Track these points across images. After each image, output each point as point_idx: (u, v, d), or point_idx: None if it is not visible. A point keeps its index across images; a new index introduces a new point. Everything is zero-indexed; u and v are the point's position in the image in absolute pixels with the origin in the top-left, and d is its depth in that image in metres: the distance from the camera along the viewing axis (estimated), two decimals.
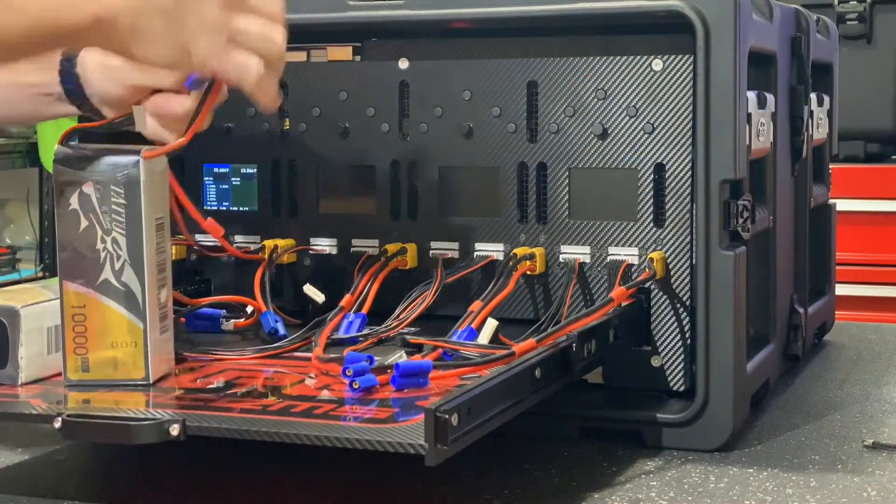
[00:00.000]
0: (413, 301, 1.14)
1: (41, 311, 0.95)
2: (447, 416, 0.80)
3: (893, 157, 3.13)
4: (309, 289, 1.18)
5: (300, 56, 1.24)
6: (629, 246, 1.13)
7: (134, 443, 0.86)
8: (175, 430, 0.85)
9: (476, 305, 1.08)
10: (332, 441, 0.83)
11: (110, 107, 1.08)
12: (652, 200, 1.13)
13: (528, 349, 0.98)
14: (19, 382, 0.89)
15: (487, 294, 1.10)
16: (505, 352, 0.98)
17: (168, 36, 0.92)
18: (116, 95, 1.06)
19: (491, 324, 1.05)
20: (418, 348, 1.04)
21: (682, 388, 1.12)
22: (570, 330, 1.02)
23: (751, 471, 1.03)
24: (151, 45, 0.92)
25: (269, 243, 1.22)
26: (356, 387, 0.94)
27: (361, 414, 0.90)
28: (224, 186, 1.27)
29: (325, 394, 0.96)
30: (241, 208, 1.26)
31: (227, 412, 0.91)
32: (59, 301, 0.94)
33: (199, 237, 1.21)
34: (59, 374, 0.96)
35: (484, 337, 1.05)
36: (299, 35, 1.24)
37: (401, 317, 1.13)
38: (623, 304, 1.09)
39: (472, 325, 1.06)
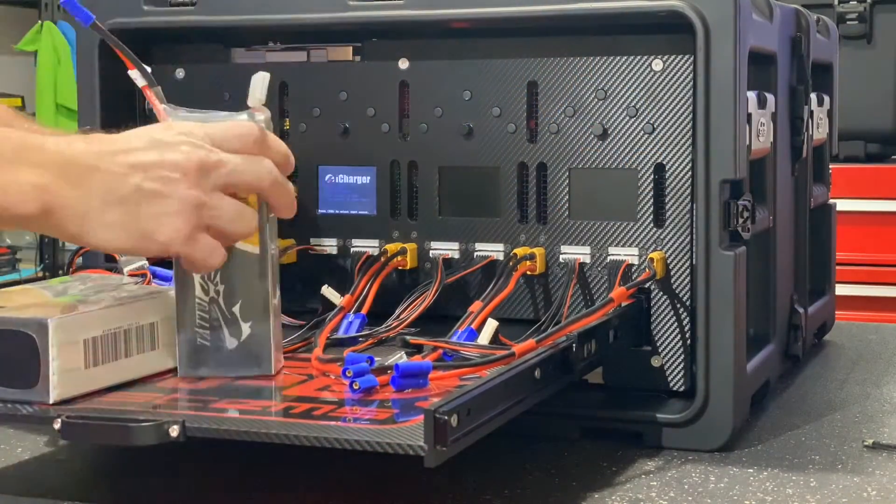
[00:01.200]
0: (413, 301, 1.14)
1: (75, 323, 0.91)
2: (446, 418, 0.80)
3: (893, 157, 3.13)
4: (327, 290, 1.17)
5: (300, 56, 1.24)
6: (629, 246, 1.13)
7: (133, 444, 0.86)
8: (174, 431, 0.85)
9: (476, 306, 1.08)
10: (332, 442, 0.83)
11: None
12: (652, 200, 1.13)
13: (528, 349, 0.98)
14: (51, 401, 0.84)
15: (487, 294, 1.10)
16: (505, 352, 0.98)
17: (126, 224, 0.89)
18: None
19: (491, 324, 1.05)
20: (418, 349, 1.04)
21: (682, 389, 1.12)
22: (571, 330, 1.02)
23: (751, 471, 1.03)
24: (106, 233, 0.89)
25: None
26: (356, 387, 0.93)
27: (361, 415, 0.90)
28: None
29: (324, 395, 0.96)
30: None
31: (226, 413, 0.91)
32: (96, 310, 0.91)
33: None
34: (98, 392, 0.91)
35: (484, 338, 1.05)
36: (299, 35, 1.25)
37: (401, 317, 1.13)
38: (623, 304, 1.09)
39: (472, 326, 1.06)
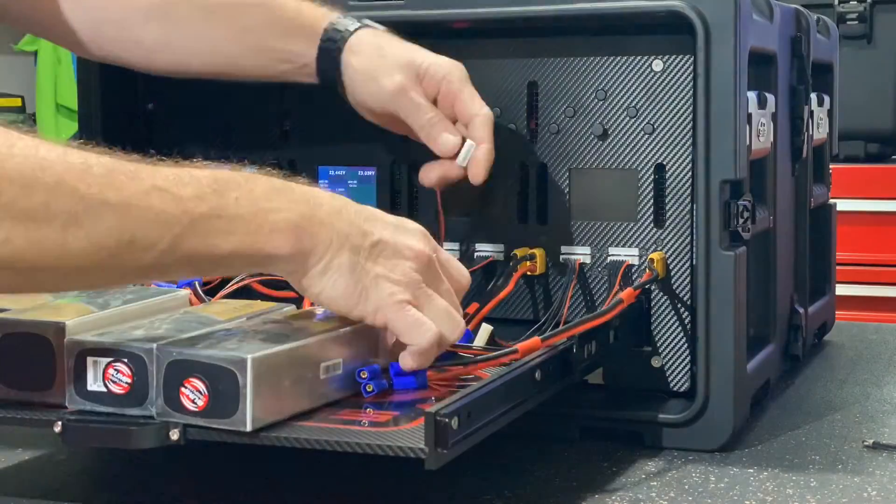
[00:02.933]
0: None
1: (86, 326, 0.93)
2: (447, 420, 0.80)
3: (893, 157, 3.13)
4: None
5: None
6: (629, 246, 1.13)
7: (134, 447, 0.86)
8: (175, 434, 0.85)
9: (473, 307, 1.08)
10: (332, 445, 0.83)
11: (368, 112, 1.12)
12: (652, 201, 1.13)
13: (533, 348, 0.98)
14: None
15: (486, 295, 1.10)
16: (508, 349, 0.98)
17: (351, 274, 0.91)
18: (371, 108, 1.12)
19: (486, 329, 1.05)
20: None
21: (682, 389, 1.12)
22: (580, 331, 1.02)
23: (751, 471, 1.03)
24: (329, 279, 0.90)
25: None
26: (370, 390, 0.94)
27: (361, 418, 0.90)
28: None
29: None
30: None
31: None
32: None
33: None
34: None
35: (479, 342, 1.05)
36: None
37: None
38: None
39: (468, 327, 1.05)
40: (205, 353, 0.86)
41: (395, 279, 0.91)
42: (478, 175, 1.10)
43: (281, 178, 0.92)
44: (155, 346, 0.87)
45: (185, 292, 1.06)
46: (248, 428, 0.84)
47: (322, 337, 0.92)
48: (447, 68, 1.12)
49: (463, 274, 1.00)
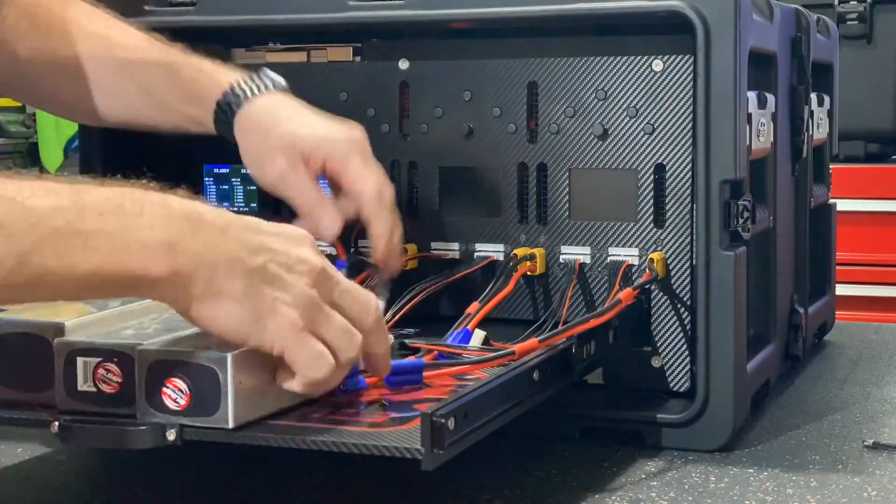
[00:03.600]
0: (408, 300, 1.14)
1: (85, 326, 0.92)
2: (443, 421, 0.80)
3: (893, 157, 3.13)
4: None
5: (300, 56, 1.24)
6: (629, 246, 1.13)
7: (131, 448, 0.86)
8: (172, 434, 0.85)
9: (473, 307, 1.08)
10: (329, 445, 0.83)
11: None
12: (652, 201, 1.13)
13: (530, 349, 0.98)
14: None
15: (486, 295, 1.10)
16: (505, 350, 0.98)
17: (245, 300, 0.83)
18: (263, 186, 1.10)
19: (479, 334, 1.05)
20: (414, 352, 1.03)
21: (682, 389, 1.12)
22: (578, 331, 1.02)
23: (751, 471, 1.03)
24: (221, 307, 0.83)
25: None
26: (342, 388, 0.93)
27: (358, 418, 0.90)
28: (224, 187, 1.27)
29: (322, 398, 0.95)
30: (245, 208, 1.26)
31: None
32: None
33: None
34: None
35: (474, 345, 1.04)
36: (299, 35, 1.25)
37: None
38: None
39: (468, 327, 1.05)
40: (185, 352, 0.85)
41: (291, 302, 0.84)
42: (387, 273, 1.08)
43: (158, 191, 0.84)
44: (137, 346, 0.86)
45: None
46: (231, 425, 0.84)
47: None
48: (330, 146, 1.08)
49: (354, 289, 0.90)
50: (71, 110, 1.20)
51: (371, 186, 1.08)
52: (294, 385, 0.86)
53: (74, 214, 0.78)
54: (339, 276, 0.89)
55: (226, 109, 1.10)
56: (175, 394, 0.85)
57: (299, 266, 0.85)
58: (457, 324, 1.06)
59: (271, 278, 0.84)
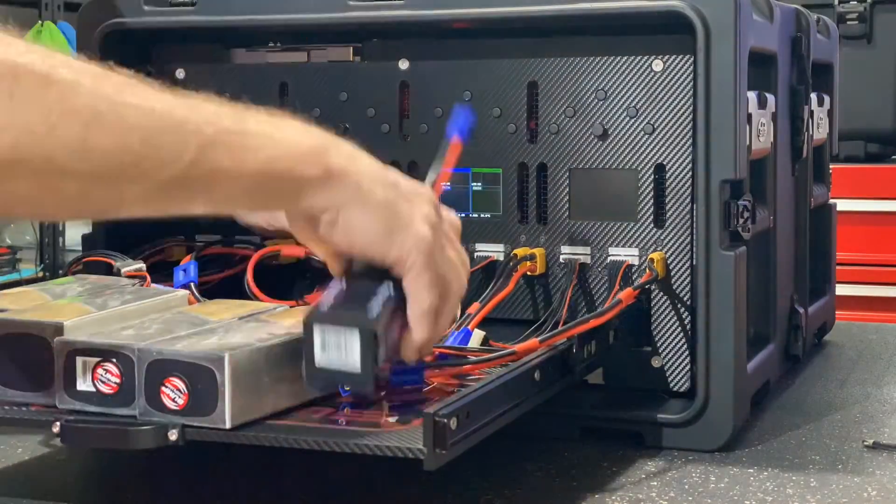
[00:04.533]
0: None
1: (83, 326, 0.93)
2: (446, 421, 0.80)
3: (893, 157, 3.13)
4: None
5: (300, 56, 1.24)
6: (629, 246, 1.13)
7: (132, 448, 0.86)
8: (174, 434, 0.85)
9: (474, 307, 1.08)
10: (331, 445, 0.83)
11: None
12: (652, 201, 1.13)
13: (531, 349, 0.98)
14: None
15: (486, 295, 1.10)
16: (506, 350, 0.98)
17: (387, 208, 0.85)
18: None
19: (478, 334, 1.05)
20: None
21: (682, 389, 1.12)
22: (578, 332, 1.02)
23: (751, 471, 1.03)
24: (366, 215, 0.85)
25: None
26: (347, 388, 0.93)
27: (360, 418, 0.90)
28: None
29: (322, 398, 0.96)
30: None
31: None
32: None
33: None
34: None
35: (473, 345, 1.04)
36: (299, 35, 1.24)
37: None
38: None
39: (469, 327, 1.05)
40: (184, 352, 0.86)
41: (423, 216, 0.87)
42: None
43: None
44: (136, 346, 0.87)
45: (184, 293, 1.06)
46: (228, 425, 0.84)
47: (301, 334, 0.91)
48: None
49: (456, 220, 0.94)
50: None
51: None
52: (410, 348, 0.88)
53: (238, 118, 0.82)
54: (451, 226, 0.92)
55: None
56: (174, 393, 0.85)
57: (424, 195, 0.89)
58: (457, 324, 1.06)
59: (405, 195, 0.87)
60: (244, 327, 0.94)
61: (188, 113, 0.79)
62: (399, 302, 0.87)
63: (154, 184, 0.78)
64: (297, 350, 0.89)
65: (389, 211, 0.86)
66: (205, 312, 0.99)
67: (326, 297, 0.88)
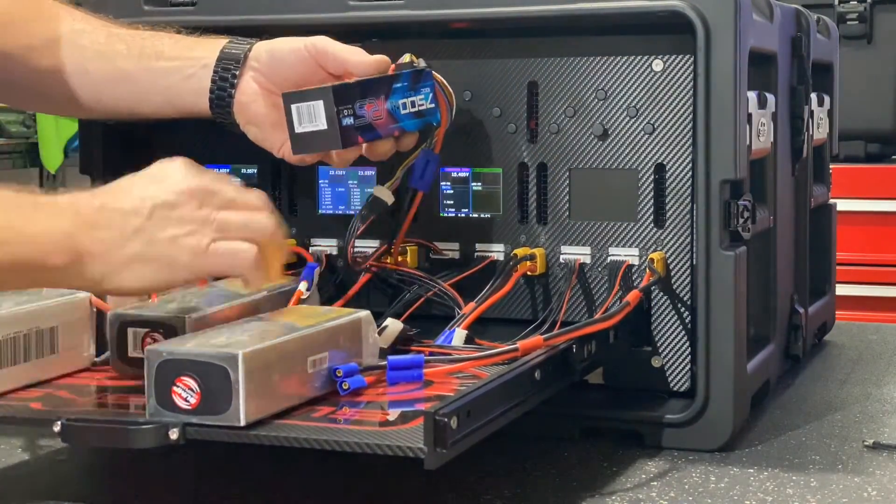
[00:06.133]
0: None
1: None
2: (446, 420, 0.80)
3: (893, 157, 3.13)
4: (379, 189, 1.17)
5: None
6: (630, 246, 1.13)
7: (133, 447, 0.86)
8: (174, 434, 0.85)
9: (469, 307, 1.08)
10: (332, 445, 0.83)
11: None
12: (652, 201, 1.13)
13: (534, 346, 0.98)
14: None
15: (483, 295, 1.10)
16: (509, 347, 0.98)
17: (147, 256, 0.90)
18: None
19: (460, 334, 1.05)
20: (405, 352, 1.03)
21: (682, 389, 1.12)
22: (586, 332, 1.02)
23: (751, 471, 1.03)
24: (130, 273, 0.90)
25: None
26: (346, 388, 0.94)
27: (360, 417, 0.90)
28: None
29: (324, 397, 0.96)
30: None
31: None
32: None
33: None
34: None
35: (385, 341, 1.04)
36: (300, 35, 1.24)
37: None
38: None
39: (461, 327, 1.05)
40: (195, 352, 0.86)
41: (187, 232, 0.90)
42: None
43: (40, 193, 0.91)
44: (148, 348, 0.88)
45: (84, 295, 1.05)
46: (242, 423, 0.85)
47: (308, 331, 0.93)
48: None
49: (252, 197, 0.97)
50: (57, 105, 1.18)
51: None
52: (249, 287, 0.95)
53: None
54: (222, 186, 0.94)
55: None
56: (186, 392, 0.85)
57: (179, 198, 0.91)
58: (451, 324, 1.06)
59: (161, 223, 0.90)
60: (247, 326, 0.94)
61: None
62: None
63: None
64: (304, 347, 0.91)
65: (152, 257, 0.90)
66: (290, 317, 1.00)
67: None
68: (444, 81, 1.11)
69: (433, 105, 1.10)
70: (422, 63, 1.09)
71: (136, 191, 0.91)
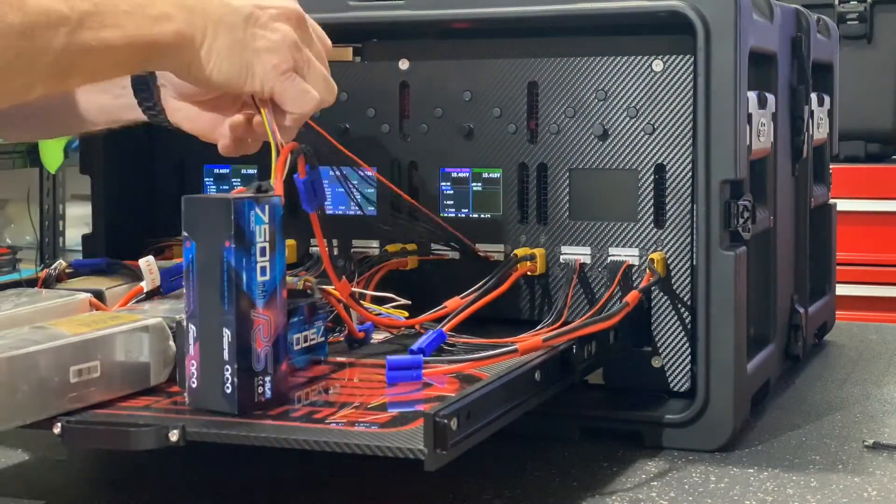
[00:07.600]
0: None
1: None
2: (446, 421, 0.80)
3: (893, 157, 3.13)
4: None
5: None
6: (630, 247, 1.13)
7: (133, 449, 0.86)
8: (174, 435, 0.85)
9: (454, 301, 1.08)
10: (332, 446, 0.83)
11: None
12: (652, 201, 1.13)
13: (533, 347, 0.98)
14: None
15: (482, 294, 1.10)
16: (508, 347, 0.98)
17: (232, 53, 0.93)
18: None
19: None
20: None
21: (682, 389, 1.12)
22: (586, 333, 1.02)
23: (751, 471, 1.03)
24: (212, 62, 0.93)
25: None
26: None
27: (360, 418, 0.90)
28: (225, 187, 1.27)
29: (324, 397, 0.96)
30: None
31: (226, 417, 0.90)
32: None
33: None
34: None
35: None
36: None
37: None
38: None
39: (443, 329, 1.05)
40: None
41: (275, 47, 0.94)
42: None
43: None
44: None
45: (84, 296, 1.04)
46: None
47: (72, 340, 0.90)
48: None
49: (325, 36, 1.02)
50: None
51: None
52: (287, 121, 0.96)
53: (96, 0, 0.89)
54: (323, 37, 1.00)
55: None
56: None
57: (279, 14, 0.95)
58: (444, 324, 1.06)
59: (254, 30, 0.94)
60: (16, 335, 0.91)
61: (56, 3, 0.86)
62: None
63: (37, 69, 0.87)
64: (61, 356, 0.88)
65: (234, 55, 0.93)
66: (67, 325, 0.95)
67: None
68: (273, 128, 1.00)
69: (323, 339, 1.01)
70: (316, 294, 1.02)
71: None
